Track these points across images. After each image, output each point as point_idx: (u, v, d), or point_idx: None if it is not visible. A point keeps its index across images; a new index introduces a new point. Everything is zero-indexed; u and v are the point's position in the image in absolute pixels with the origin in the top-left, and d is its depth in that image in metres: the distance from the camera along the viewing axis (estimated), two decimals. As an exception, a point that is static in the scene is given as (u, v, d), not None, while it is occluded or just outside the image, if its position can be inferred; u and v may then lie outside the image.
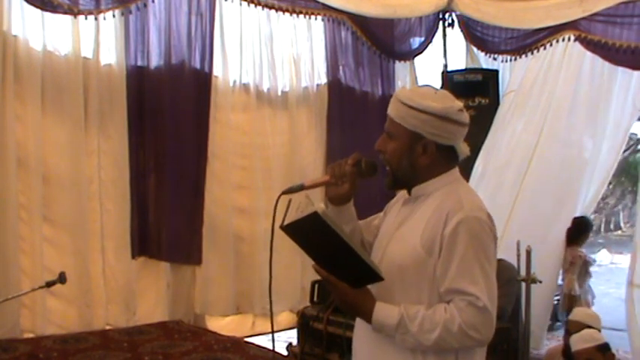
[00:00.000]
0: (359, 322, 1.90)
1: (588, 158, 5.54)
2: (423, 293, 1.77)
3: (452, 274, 1.72)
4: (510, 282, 3.96)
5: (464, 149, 1.86)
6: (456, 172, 1.89)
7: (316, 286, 4.40)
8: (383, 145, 1.86)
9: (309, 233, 1.71)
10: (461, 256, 1.71)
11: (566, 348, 3.83)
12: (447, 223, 1.74)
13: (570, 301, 5.66)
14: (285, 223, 1.71)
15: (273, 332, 2.10)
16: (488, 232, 1.78)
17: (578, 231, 5.57)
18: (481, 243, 1.74)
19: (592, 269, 6.02)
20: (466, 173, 5.27)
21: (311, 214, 1.65)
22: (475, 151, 5.75)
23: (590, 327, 3.72)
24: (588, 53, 5.38)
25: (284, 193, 1.85)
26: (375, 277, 1.73)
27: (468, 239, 1.72)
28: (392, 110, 1.83)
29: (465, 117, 1.83)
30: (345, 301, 1.77)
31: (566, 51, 5.55)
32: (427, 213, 1.81)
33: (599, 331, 3.80)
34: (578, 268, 5.76)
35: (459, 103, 1.84)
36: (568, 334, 3.83)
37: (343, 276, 1.75)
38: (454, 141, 1.83)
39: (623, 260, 5.79)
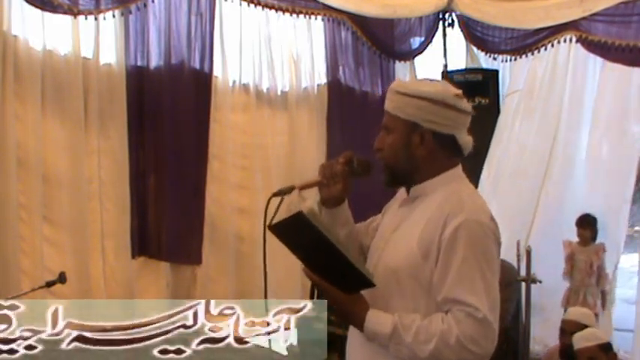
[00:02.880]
0: (353, 329, 1.80)
1: (604, 159, 5.52)
2: (419, 300, 1.66)
3: (450, 282, 1.59)
4: (512, 285, 3.95)
5: (466, 141, 1.73)
6: (458, 170, 1.76)
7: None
8: (381, 143, 1.77)
9: (296, 235, 1.61)
10: (459, 262, 1.59)
11: (562, 347, 3.83)
12: (446, 226, 1.62)
13: None
14: (273, 223, 1.61)
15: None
16: (491, 236, 1.65)
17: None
18: (482, 248, 1.62)
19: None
20: (474, 177, 5.26)
21: (295, 214, 1.55)
22: (479, 153, 5.74)
23: (586, 325, 3.73)
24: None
25: (275, 195, 1.74)
26: (365, 283, 1.63)
27: (468, 244, 1.59)
28: (388, 103, 1.75)
29: (465, 104, 1.71)
30: (337, 307, 1.68)
31: (571, 52, 5.55)
32: (426, 214, 1.69)
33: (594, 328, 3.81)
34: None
35: (457, 90, 1.73)
36: (563, 333, 3.84)
37: (335, 281, 1.65)
38: (453, 129, 1.70)
39: (624, 260, 5.76)
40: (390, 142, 1.74)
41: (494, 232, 1.67)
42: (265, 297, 1.87)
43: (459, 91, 1.72)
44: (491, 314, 1.59)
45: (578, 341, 3.42)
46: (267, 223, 1.62)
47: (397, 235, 1.75)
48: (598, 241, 5.23)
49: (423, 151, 1.71)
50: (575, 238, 5.29)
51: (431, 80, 1.81)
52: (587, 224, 5.21)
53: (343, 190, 1.82)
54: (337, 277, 1.65)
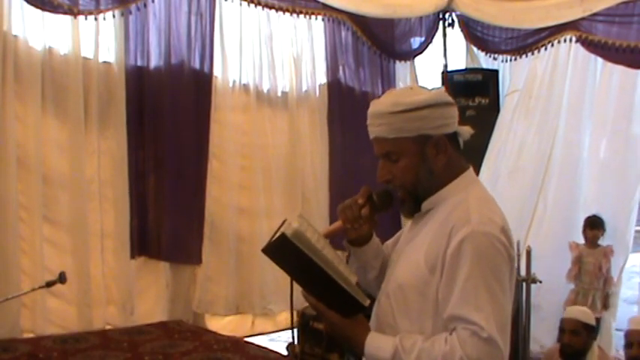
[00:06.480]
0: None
1: (604, 160, 5.51)
2: (426, 317, 1.59)
3: (454, 298, 1.52)
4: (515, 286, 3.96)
5: (464, 130, 1.70)
6: (470, 174, 1.71)
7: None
8: (387, 173, 1.68)
9: (285, 258, 1.54)
10: (465, 278, 1.51)
11: (562, 347, 3.83)
12: (451, 239, 1.55)
13: None
14: (263, 247, 1.54)
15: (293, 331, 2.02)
16: (500, 249, 1.55)
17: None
18: (489, 262, 1.53)
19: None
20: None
21: (279, 237, 1.48)
22: (479, 152, 5.74)
23: (585, 324, 3.75)
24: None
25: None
26: (358, 305, 1.57)
27: (474, 259, 1.51)
28: (381, 130, 1.64)
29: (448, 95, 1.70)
30: (336, 331, 1.63)
31: (571, 51, 5.56)
32: (434, 226, 1.63)
33: (594, 327, 3.84)
34: None
35: (442, 87, 1.71)
36: (562, 332, 3.85)
37: (331, 303, 1.59)
38: (455, 125, 1.67)
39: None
40: (403, 167, 1.65)
41: (504, 244, 1.56)
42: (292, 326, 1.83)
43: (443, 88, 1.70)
44: (499, 333, 1.50)
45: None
46: (264, 246, 1.56)
47: (408, 249, 1.71)
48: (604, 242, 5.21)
49: (443, 159, 1.66)
50: (577, 239, 5.28)
51: (410, 87, 1.80)
52: (599, 225, 5.16)
53: (370, 229, 1.77)
54: (332, 300, 1.59)
